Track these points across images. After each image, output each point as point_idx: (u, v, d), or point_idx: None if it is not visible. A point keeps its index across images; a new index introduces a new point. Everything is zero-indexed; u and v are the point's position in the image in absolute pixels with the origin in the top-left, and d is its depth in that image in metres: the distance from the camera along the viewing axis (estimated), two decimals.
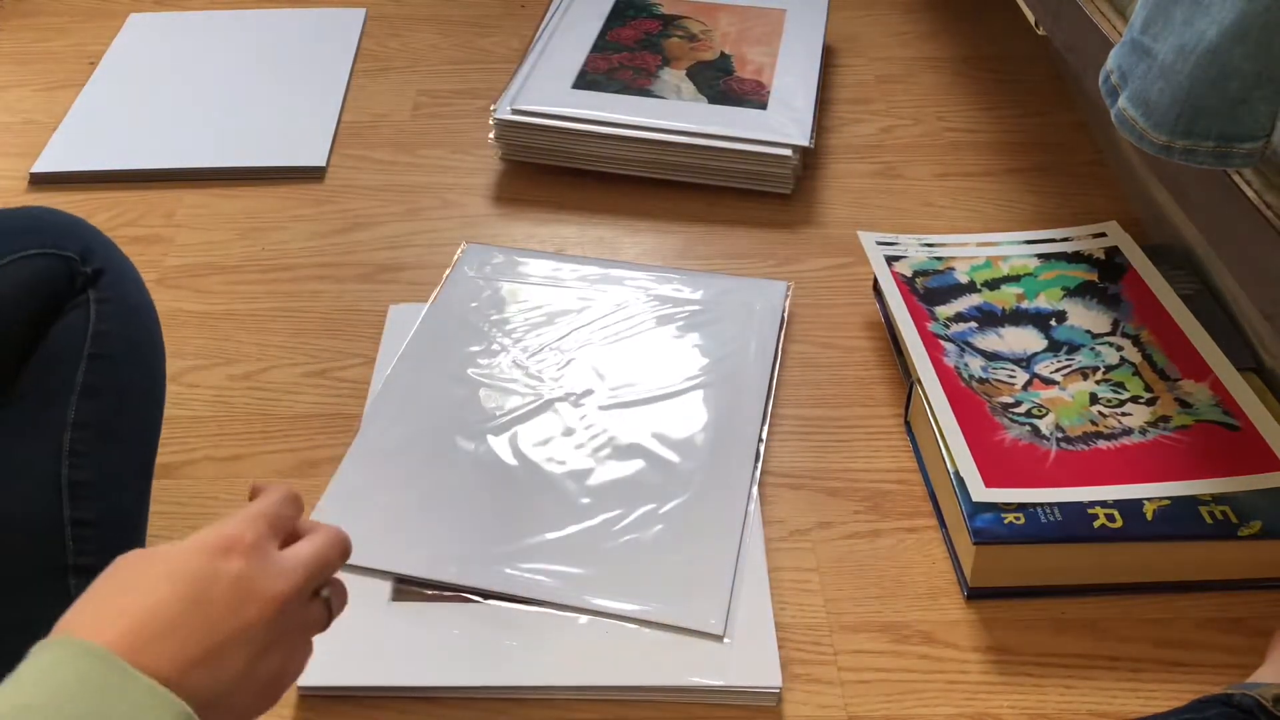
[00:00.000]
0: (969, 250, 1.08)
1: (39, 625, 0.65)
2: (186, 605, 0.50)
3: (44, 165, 1.25)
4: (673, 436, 0.93)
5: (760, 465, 0.91)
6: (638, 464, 0.91)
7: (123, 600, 0.50)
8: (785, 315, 1.06)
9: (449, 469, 0.90)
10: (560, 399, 0.96)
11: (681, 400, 0.96)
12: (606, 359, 1.00)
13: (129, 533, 0.69)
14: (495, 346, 1.01)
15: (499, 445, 0.92)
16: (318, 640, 0.80)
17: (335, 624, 0.79)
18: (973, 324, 0.99)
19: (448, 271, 1.09)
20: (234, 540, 0.53)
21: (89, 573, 0.65)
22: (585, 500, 0.88)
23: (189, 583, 0.51)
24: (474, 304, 1.05)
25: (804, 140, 1.20)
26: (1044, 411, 0.90)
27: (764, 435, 0.94)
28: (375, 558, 0.83)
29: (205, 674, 0.49)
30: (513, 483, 0.89)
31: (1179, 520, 0.81)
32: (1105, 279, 1.03)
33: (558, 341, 1.02)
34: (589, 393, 0.97)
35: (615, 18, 1.40)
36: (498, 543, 0.84)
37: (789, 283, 1.09)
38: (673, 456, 0.91)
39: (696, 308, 1.06)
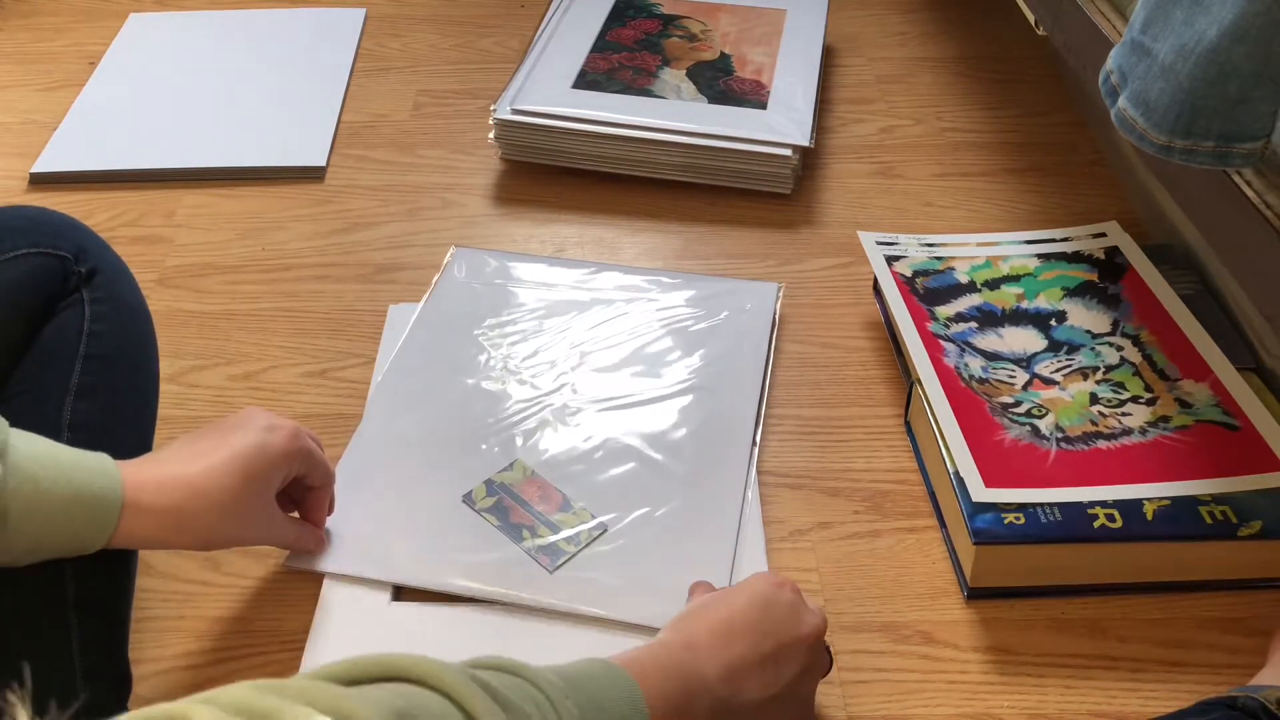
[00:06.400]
0: (969, 250, 1.08)
1: (32, 616, 0.65)
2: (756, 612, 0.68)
3: (44, 165, 1.25)
4: (667, 439, 0.93)
5: (755, 467, 0.91)
6: (631, 467, 0.91)
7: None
8: (777, 316, 1.06)
9: (443, 473, 0.90)
10: (552, 403, 0.96)
11: (675, 403, 0.96)
12: (598, 362, 1.00)
13: None
14: (486, 351, 1.01)
15: (491, 450, 0.92)
16: (318, 640, 0.81)
17: (336, 624, 0.79)
18: (973, 324, 0.99)
19: (436, 276, 1.09)
20: (786, 580, 0.71)
21: (84, 571, 0.65)
22: (579, 504, 0.88)
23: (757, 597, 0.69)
24: (465, 308, 1.05)
25: (804, 140, 1.20)
26: (1044, 411, 0.90)
27: (758, 437, 0.94)
28: (371, 567, 0.83)
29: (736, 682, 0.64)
30: (505, 488, 0.89)
31: (1179, 520, 0.81)
32: (1105, 279, 1.03)
33: (549, 345, 1.02)
34: (581, 396, 0.97)
35: (615, 18, 1.40)
36: (491, 548, 0.84)
37: (780, 283, 1.09)
38: (667, 460, 0.91)
39: (689, 310, 1.06)
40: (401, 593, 0.82)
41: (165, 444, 0.73)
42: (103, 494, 0.63)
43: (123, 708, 0.68)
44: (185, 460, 0.69)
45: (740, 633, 0.66)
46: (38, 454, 0.62)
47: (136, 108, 1.34)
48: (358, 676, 0.47)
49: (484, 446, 0.92)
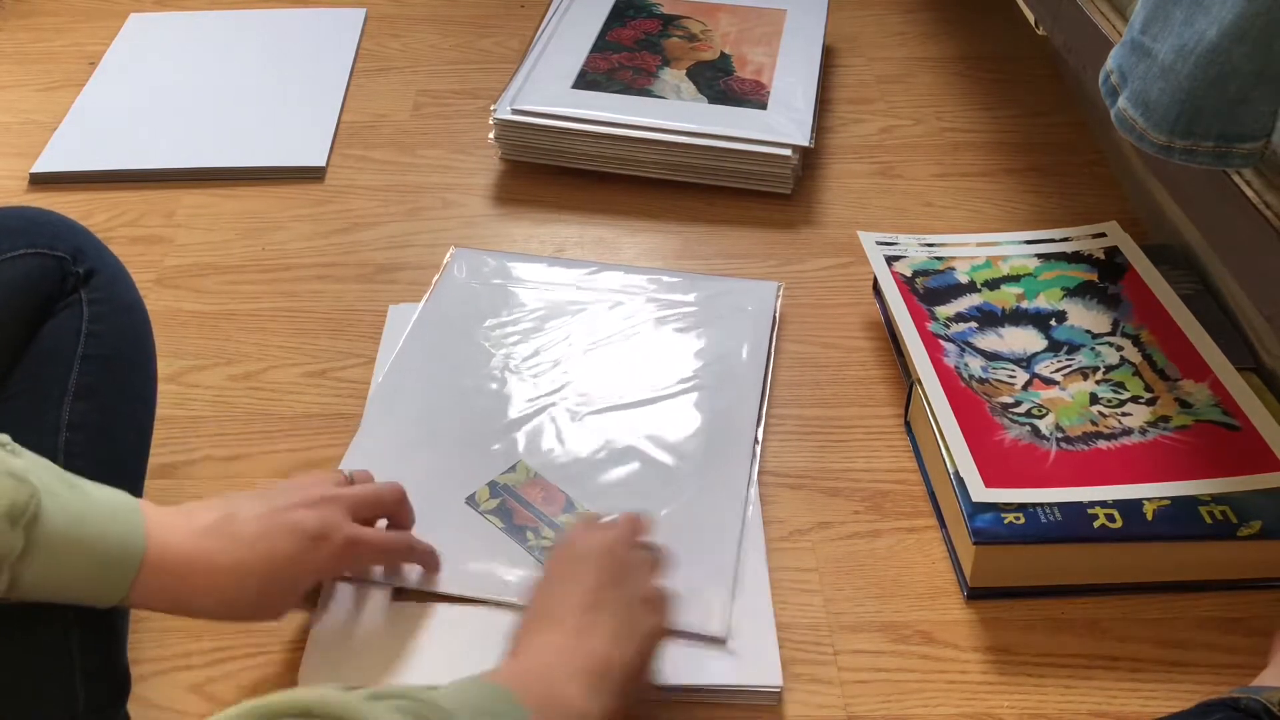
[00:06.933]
0: (969, 250, 1.08)
1: (34, 619, 0.65)
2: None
3: (44, 165, 1.25)
4: (669, 439, 0.93)
5: (757, 466, 0.91)
6: (634, 468, 0.91)
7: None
8: (777, 315, 1.06)
9: (446, 475, 0.90)
10: (553, 404, 0.96)
11: (676, 403, 0.96)
12: (599, 362, 1.00)
13: None
14: (487, 352, 1.01)
15: (494, 451, 0.92)
16: (318, 640, 0.81)
17: (336, 624, 0.79)
18: (973, 324, 0.99)
19: (436, 276, 1.09)
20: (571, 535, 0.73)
21: None
22: (583, 506, 0.88)
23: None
24: (466, 309, 1.05)
25: (804, 140, 1.20)
26: (1044, 411, 0.90)
27: (760, 436, 0.94)
28: (373, 569, 0.83)
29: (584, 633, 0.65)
30: (509, 489, 0.89)
31: (1179, 520, 0.81)
32: (1105, 279, 1.03)
33: (550, 345, 1.02)
34: (583, 397, 0.97)
35: (615, 18, 1.40)
36: (496, 550, 0.84)
37: (780, 283, 1.09)
38: (669, 460, 0.91)
39: (689, 309, 1.06)
40: (402, 592, 0.82)
41: (220, 497, 0.70)
42: (122, 561, 0.62)
43: (122, 708, 0.68)
44: (221, 540, 0.67)
45: (556, 611, 0.66)
46: (66, 521, 0.60)
47: (136, 108, 1.34)
48: (264, 714, 0.47)
49: (487, 448, 0.92)
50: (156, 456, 0.81)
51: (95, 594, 0.63)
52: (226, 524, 0.67)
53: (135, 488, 0.76)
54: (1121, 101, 0.78)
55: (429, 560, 0.81)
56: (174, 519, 0.66)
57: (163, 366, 0.82)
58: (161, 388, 0.81)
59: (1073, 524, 0.81)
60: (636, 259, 1.15)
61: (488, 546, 0.84)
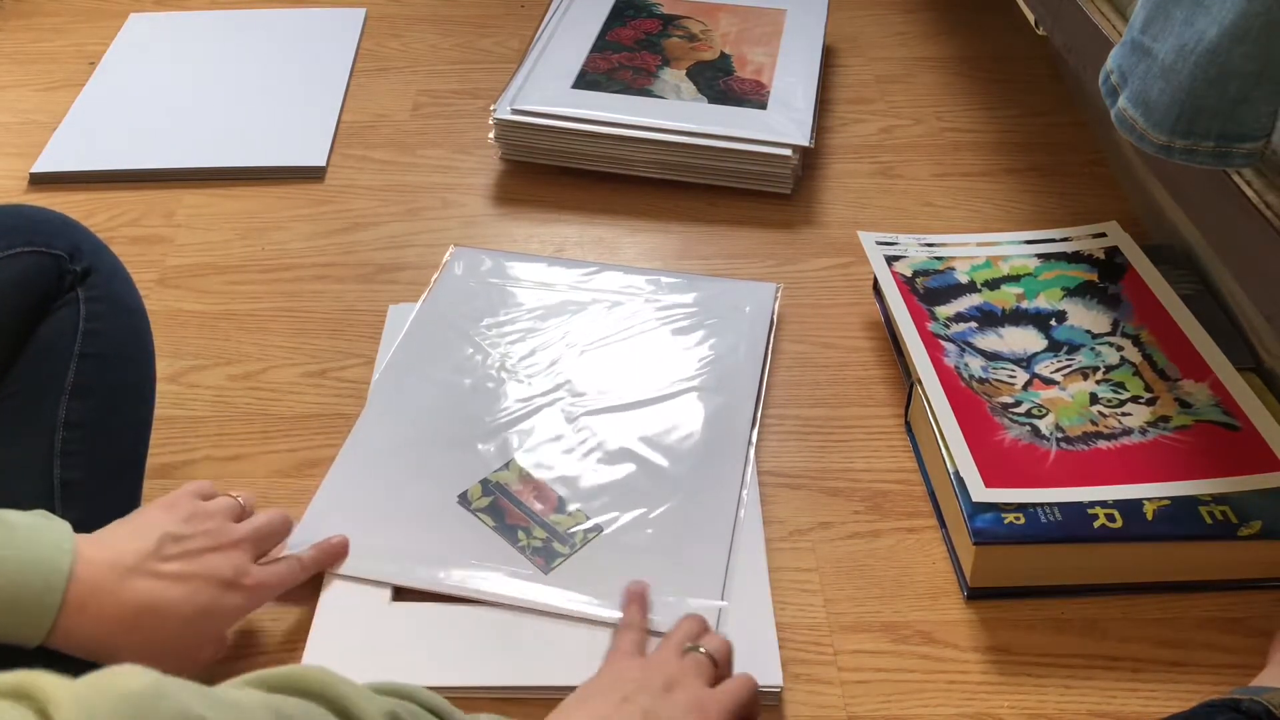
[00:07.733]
0: (969, 250, 1.08)
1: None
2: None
3: (44, 165, 1.25)
4: (663, 440, 0.93)
5: (751, 467, 0.91)
6: (627, 468, 0.91)
7: None
8: (775, 317, 1.05)
9: (439, 473, 0.90)
10: (549, 404, 0.96)
11: (671, 404, 0.96)
12: (596, 363, 1.00)
13: None
14: (484, 350, 1.01)
15: (488, 450, 0.92)
16: (318, 640, 0.81)
17: (336, 624, 0.79)
18: (973, 324, 0.99)
19: (436, 275, 1.09)
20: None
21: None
22: (575, 506, 0.88)
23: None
24: (463, 308, 1.05)
25: (804, 140, 1.20)
26: (1044, 411, 0.90)
27: (754, 438, 0.94)
28: (370, 566, 0.82)
29: None
30: (501, 488, 0.89)
31: (1179, 520, 0.81)
32: (1105, 279, 1.03)
33: (547, 345, 1.02)
34: (578, 397, 0.97)
35: (615, 18, 1.40)
36: (487, 549, 0.84)
37: (779, 284, 1.09)
38: (662, 460, 0.91)
39: (686, 310, 1.05)
40: (401, 593, 0.82)
41: (137, 519, 0.69)
42: (40, 602, 0.61)
43: None
44: (146, 580, 0.66)
45: (592, 702, 0.64)
46: None
47: (136, 108, 1.34)
48: (257, 686, 0.47)
49: (480, 446, 0.92)
50: (156, 456, 0.81)
51: (11, 634, 0.61)
52: (150, 562, 0.66)
53: (134, 487, 0.77)
54: (1121, 101, 0.78)
55: (322, 563, 0.81)
56: (100, 554, 0.64)
57: (163, 366, 0.82)
58: (161, 388, 0.81)
59: (1073, 524, 0.81)
60: (636, 259, 1.15)
61: (479, 545, 0.84)
